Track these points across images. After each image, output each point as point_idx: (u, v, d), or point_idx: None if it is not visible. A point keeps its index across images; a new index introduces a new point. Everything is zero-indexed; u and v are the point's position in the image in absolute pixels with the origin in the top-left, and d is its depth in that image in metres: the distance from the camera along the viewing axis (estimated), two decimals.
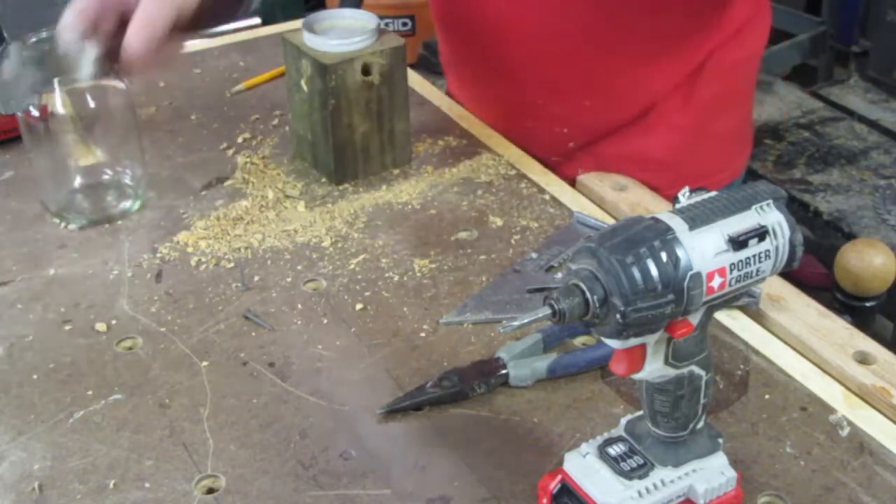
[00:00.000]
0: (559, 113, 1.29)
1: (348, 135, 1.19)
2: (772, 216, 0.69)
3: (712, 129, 1.28)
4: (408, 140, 1.25)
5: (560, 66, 1.23)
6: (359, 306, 1.01)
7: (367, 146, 1.21)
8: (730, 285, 0.67)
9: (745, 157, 1.39)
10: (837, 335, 0.95)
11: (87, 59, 1.01)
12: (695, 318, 0.68)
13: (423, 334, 0.97)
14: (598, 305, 0.65)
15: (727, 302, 0.70)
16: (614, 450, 0.74)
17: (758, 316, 0.99)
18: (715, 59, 1.24)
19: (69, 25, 0.99)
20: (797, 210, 2.22)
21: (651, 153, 1.27)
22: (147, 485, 0.81)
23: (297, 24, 1.19)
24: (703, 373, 0.71)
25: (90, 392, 0.91)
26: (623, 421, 0.76)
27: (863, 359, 0.92)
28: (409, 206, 1.17)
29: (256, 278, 1.05)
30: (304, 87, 1.19)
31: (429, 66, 2.88)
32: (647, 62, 1.21)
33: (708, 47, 1.23)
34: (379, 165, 1.24)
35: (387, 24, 1.63)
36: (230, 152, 1.29)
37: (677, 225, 0.66)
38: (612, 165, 1.25)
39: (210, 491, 0.81)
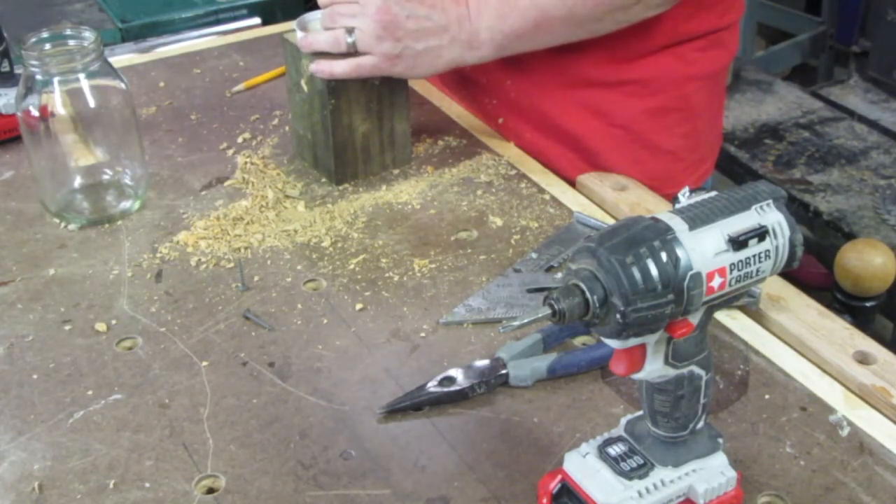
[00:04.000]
0: (486, 84, 1.31)
1: (348, 135, 1.19)
2: (772, 216, 0.69)
3: (649, 142, 1.26)
4: (408, 140, 1.25)
5: None
6: (359, 306, 1.01)
7: (367, 146, 1.21)
8: (730, 285, 0.67)
9: (698, 178, 1.34)
10: (837, 335, 0.95)
11: None
12: (695, 318, 0.68)
13: (423, 334, 0.97)
14: (598, 305, 0.65)
15: (727, 302, 0.70)
16: (614, 450, 0.74)
17: (758, 316, 0.99)
18: (654, 74, 1.23)
19: None
20: (797, 210, 2.22)
21: (578, 152, 1.26)
22: (147, 485, 0.81)
23: (294, 24, 1.19)
24: (703, 373, 0.71)
25: (90, 392, 0.91)
26: (623, 421, 0.76)
27: (863, 359, 0.92)
28: (409, 206, 1.17)
29: (256, 278, 1.05)
30: (304, 87, 1.19)
31: None
32: (569, 55, 1.20)
33: (643, 57, 1.22)
34: (379, 165, 1.24)
35: None
36: (230, 152, 1.29)
37: (677, 225, 0.66)
38: (540, 155, 1.27)
39: (210, 491, 0.81)
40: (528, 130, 1.29)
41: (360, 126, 1.20)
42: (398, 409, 0.88)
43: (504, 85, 1.29)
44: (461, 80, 1.36)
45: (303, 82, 1.18)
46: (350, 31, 1.13)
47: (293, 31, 1.19)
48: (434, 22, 1.13)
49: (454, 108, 1.39)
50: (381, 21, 1.11)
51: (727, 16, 1.25)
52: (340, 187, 1.21)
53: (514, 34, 1.14)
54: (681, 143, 1.29)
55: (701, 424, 0.73)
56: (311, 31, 1.17)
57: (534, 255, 1.08)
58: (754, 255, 0.68)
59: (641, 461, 0.73)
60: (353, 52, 1.14)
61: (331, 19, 1.15)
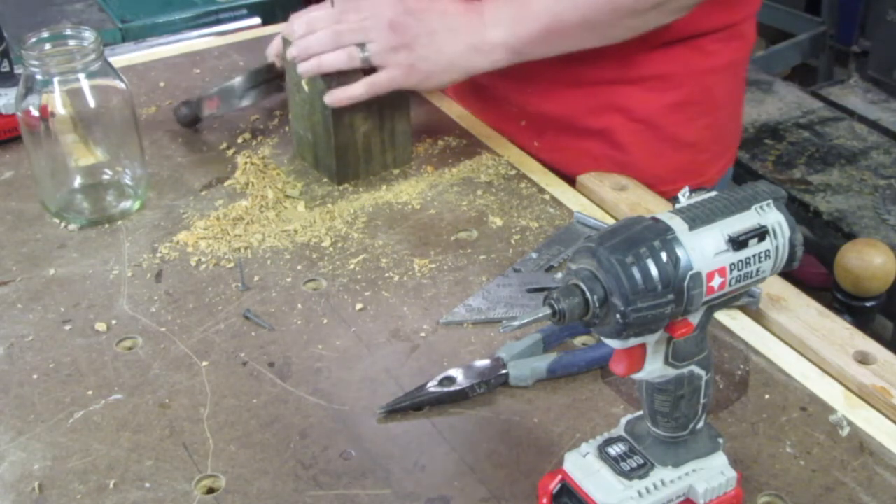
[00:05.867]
0: (505, 93, 1.31)
1: (349, 135, 1.19)
2: (772, 216, 0.69)
3: (672, 135, 1.26)
4: (409, 140, 1.25)
5: None
6: (359, 306, 1.01)
7: (368, 146, 1.21)
8: (730, 285, 0.67)
9: (720, 169, 1.35)
10: (837, 335, 0.95)
11: None
12: (695, 318, 0.68)
13: (423, 334, 0.97)
14: (598, 305, 0.65)
15: (727, 302, 0.70)
16: (614, 450, 0.74)
17: (758, 316, 0.99)
18: (674, 68, 1.23)
19: None
20: (797, 210, 2.22)
21: (601, 148, 1.26)
22: (147, 485, 0.81)
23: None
24: (703, 373, 0.71)
25: (90, 392, 0.91)
26: (623, 421, 0.76)
27: (863, 359, 0.92)
28: (409, 206, 1.17)
29: (256, 278, 1.05)
30: (305, 88, 1.19)
31: None
32: (586, 53, 1.19)
33: (659, 51, 1.21)
34: (380, 165, 1.24)
35: None
36: (230, 152, 1.29)
37: (677, 225, 0.66)
38: (564, 152, 1.27)
39: (210, 491, 0.81)
40: (550, 132, 1.29)
41: (362, 126, 1.20)
42: (398, 409, 0.88)
43: (524, 92, 1.28)
44: (477, 91, 1.36)
45: (303, 83, 1.18)
46: (361, 46, 1.12)
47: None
48: (446, 27, 1.12)
49: (454, 108, 1.39)
50: (394, 31, 1.10)
51: (744, 9, 1.24)
52: (340, 187, 1.21)
53: (528, 39, 1.13)
54: (703, 135, 1.29)
55: (701, 424, 0.73)
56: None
57: (534, 255, 1.08)
58: (754, 255, 0.68)
59: (641, 461, 0.73)
60: (366, 67, 1.13)
61: (335, 39, 1.13)
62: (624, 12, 1.12)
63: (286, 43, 1.20)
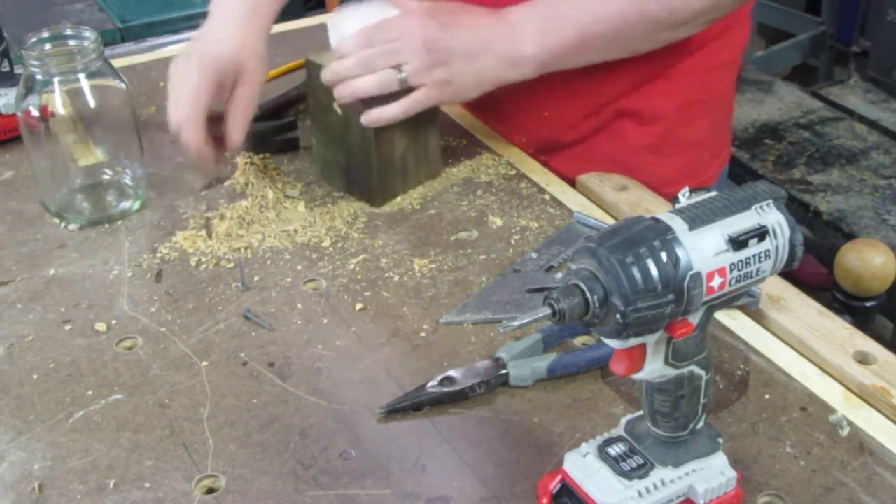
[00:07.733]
0: (512, 111, 1.30)
1: (389, 153, 1.15)
2: (772, 216, 0.69)
3: (679, 136, 1.26)
4: (438, 152, 1.22)
5: None
6: (359, 306, 1.01)
7: (404, 162, 1.18)
8: (730, 285, 0.67)
9: (720, 165, 1.35)
10: (837, 335, 0.95)
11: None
12: (695, 318, 0.68)
13: (423, 334, 0.97)
14: (598, 305, 0.65)
15: (727, 302, 0.70)
16: (614, 450, 0.74)
17: (758, 316, 0.99)
18: (682, 68, 1.22)
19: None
20: (797, 210, 2.22)
21: (613, 156, 1.26)
22: (147, 485, 0.81)
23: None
24: (703, 373, 0.71)
25: (90, 392, 0.91)
26: (623, 421, 0.76)
27: (863, 359, 0.92)
28: (409, 206, 1.17)
29: (256, 278, 1.05)
30: (338, 110, 1.14)
31: None
32: (595, 73, 1.19)
33: (671, 59, 1.21)
34: (415, 180, 1.20)
35: None
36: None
37: (677, 225, 0.66)
38: (569, 164, 1.26)
39: (210, 491, 0.81)
40: (564, 149, 1.28)
41: (400, 142, 1.16)
42: (398, 409, 0.88)
43: (541, 116, 1.27)
44: (477, 108, 1.35)
45: (335, 105, 1.13)
46: (397, 67, 1.10)
47: (317, 52, 1.14)
48: (478, 41, 1.11)
49: (454, 108, 1.39)
50: (429, 50, 1.09)
51: (743, 7, 1.24)
52: None
53: (558, 52, 1.12)
54: (705, 134, 1.29)
55: (701, 424, 0.73)
56: (345, 30, 1.13)
57: (534, 255, 1.08)
58: (754, 255, 0.68)
59: (641, 461, 0.73)
60: (403, 88, 1.10)
61: (367, 64, 1.10)
62: (657, 26, 1.11)
63: (310, 64, 1.15)
